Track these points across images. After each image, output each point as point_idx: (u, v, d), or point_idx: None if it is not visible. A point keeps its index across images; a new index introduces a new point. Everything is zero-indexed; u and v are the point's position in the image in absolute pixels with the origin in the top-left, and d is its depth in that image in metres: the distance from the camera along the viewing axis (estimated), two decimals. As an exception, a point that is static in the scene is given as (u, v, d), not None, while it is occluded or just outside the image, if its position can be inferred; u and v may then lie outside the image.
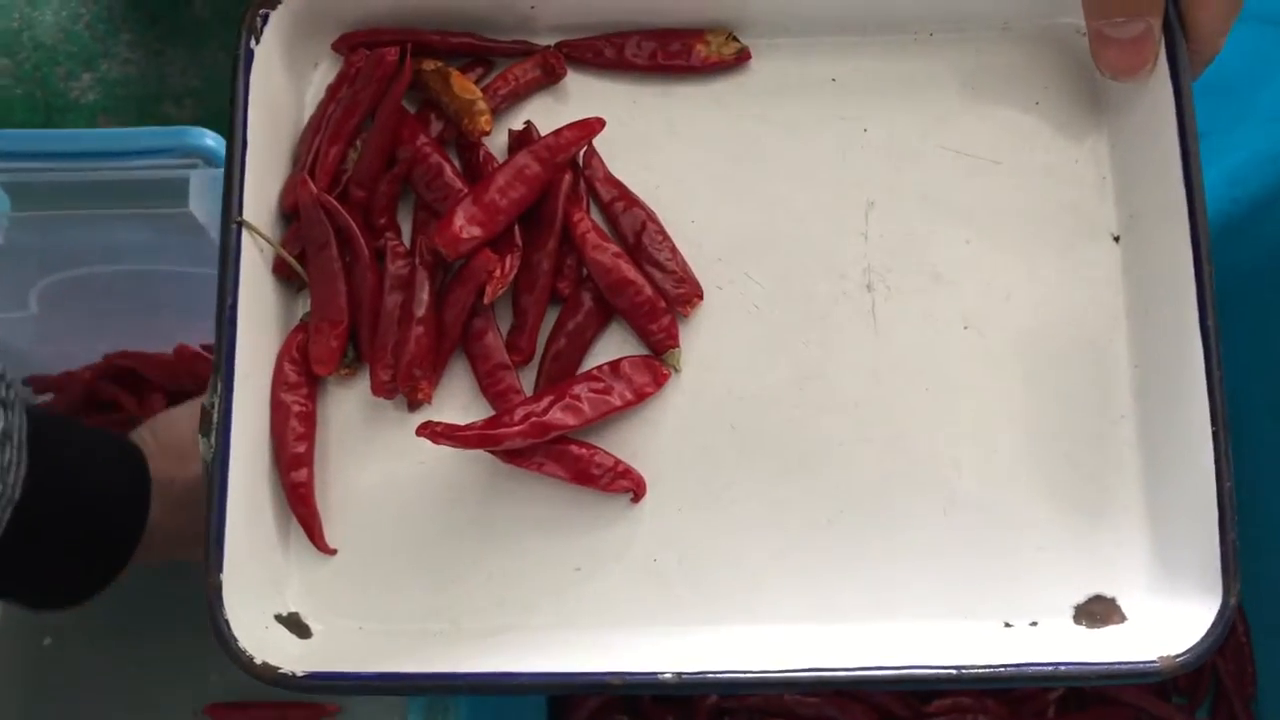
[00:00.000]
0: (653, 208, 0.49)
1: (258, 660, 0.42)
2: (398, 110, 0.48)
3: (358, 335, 0.48)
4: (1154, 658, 0.42)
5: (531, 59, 0.50)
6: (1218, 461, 0.43)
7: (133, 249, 0.69)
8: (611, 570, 0.46)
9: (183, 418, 0.66)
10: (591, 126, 0.48)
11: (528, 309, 0.48)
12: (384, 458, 0.47)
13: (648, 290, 0.47)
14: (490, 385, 0.47)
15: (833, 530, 0.46)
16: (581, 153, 0.49)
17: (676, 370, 0.48)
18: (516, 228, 0.48)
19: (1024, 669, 0.42)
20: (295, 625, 0.45)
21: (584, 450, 0.46)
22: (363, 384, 0.48)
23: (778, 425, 0.47)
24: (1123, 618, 0.45)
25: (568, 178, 0.48)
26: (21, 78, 0.87)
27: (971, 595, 0.45)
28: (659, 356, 0.48)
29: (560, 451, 0.46)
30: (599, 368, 0.47)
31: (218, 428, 0.43)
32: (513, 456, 0.45)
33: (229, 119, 0.46)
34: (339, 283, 0.47)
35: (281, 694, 0.43)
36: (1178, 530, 0.45)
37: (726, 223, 0.49)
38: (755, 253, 0.49)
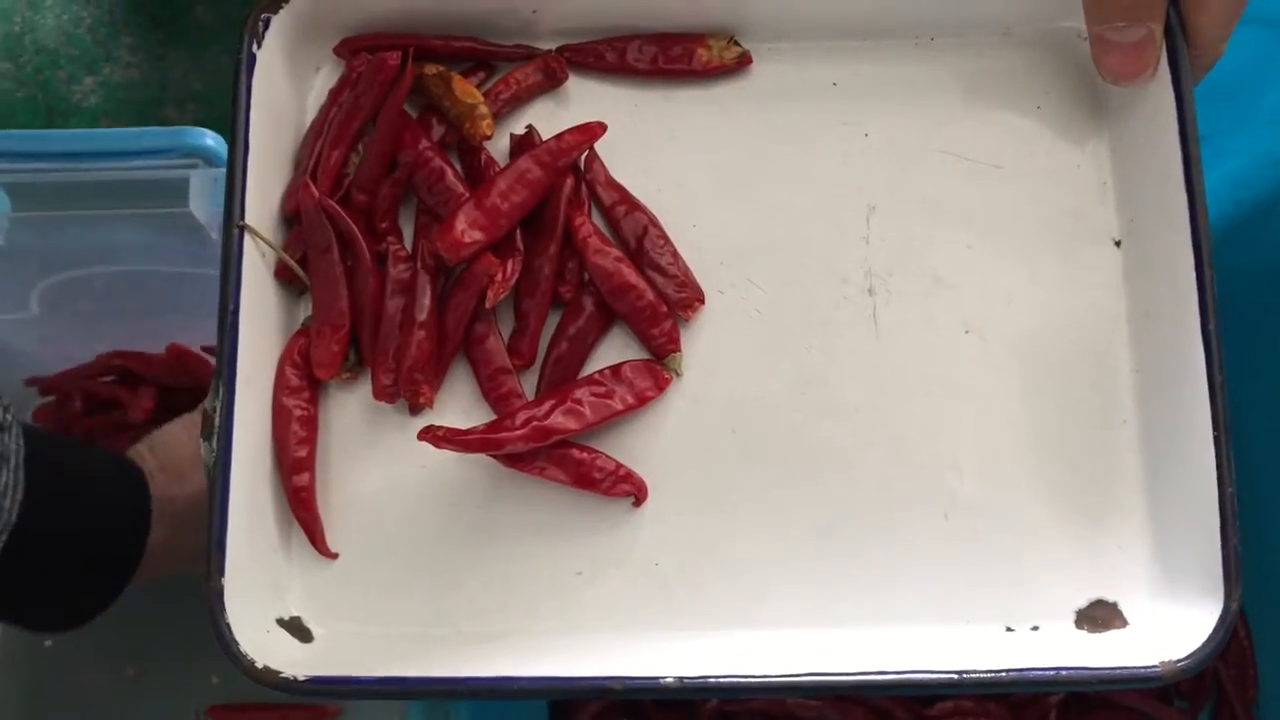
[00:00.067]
0: (654, 212, 0.49)
1: (259, 664, 0.42)
2: (399, 114, 0.48)
3: (359, 339, 0.48)
4: (1155, 662, 0.42)
5: (533, 63, 0.50)
6: (1219, 466, 0.43)
7: (133, 250, 0.69)
8: (613, 575, 0.46)
9: (181, 435, 0.65)
10: (593, 131, 0.48)
11: (529, 313, 0.48)
12: (385, 462, 0.47)
13: (649, 294, 0.47)
14: (492, 389, 0.47)
15: (834, 534, 0.46)
16: (583, 157, 0.49)
17: (678, 374, 0.48)
18: (518, 232, 0.48)
19: (1025, 674, 0.42)
20: (297, 629, 0.45)
21: (585, 454, 0.46)
22: (364, 388, 0.48)
23: (779, 429, 0.47)
24: (1124, 622, 0.45)
25: (569, 182, 0.48)
26: (23, 81, 0.87)
27: (973, 599, 0.45)
28: (660, 361, 0.48)
29: (561, 456, 0.46)
30: (600, 372, 0.47)
31: (219, 432, 0.43)
32: (514, 461, 0.46)
33: (231, 123, 0.46)
34: (341, 287, 0.47)
35: (283, 697, 0.43)
36: (1179, 534, 0.45)
37: (728, 227, 0.49)
38: (757, 257, 0.49)
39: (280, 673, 0.42)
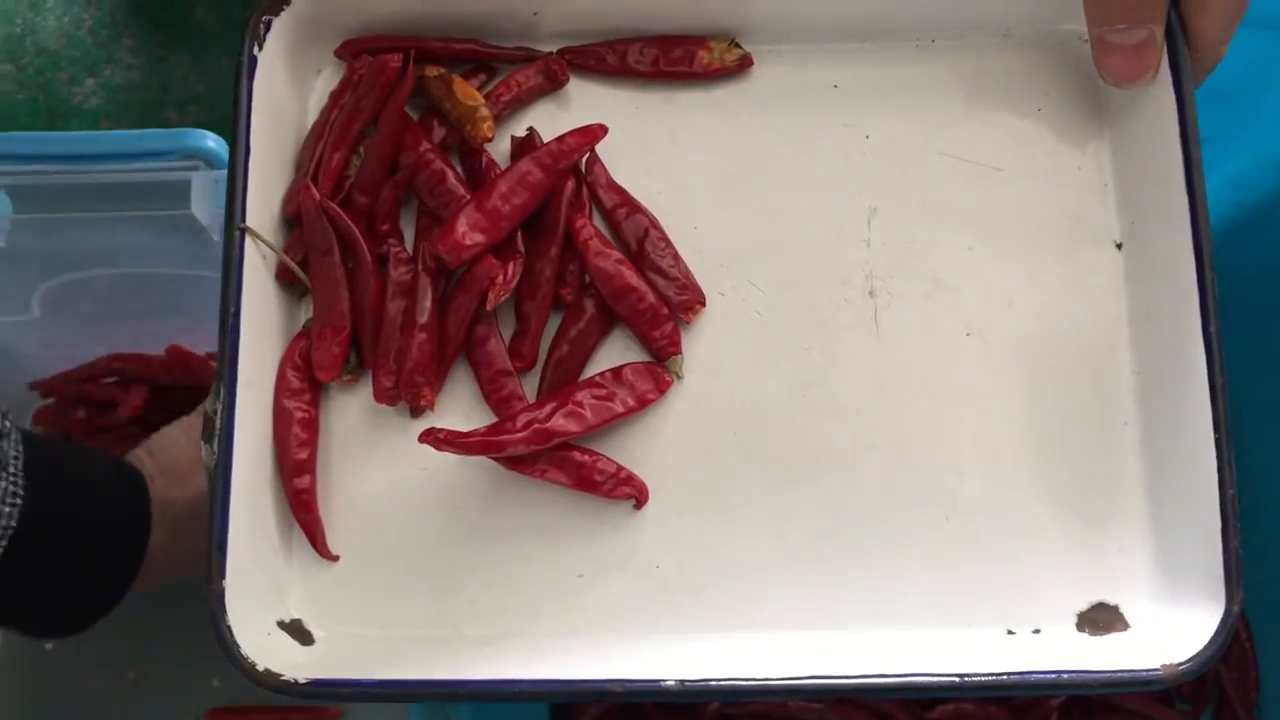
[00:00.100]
0: (655, 214, 0.49)
1: (260, 667, 0.42)
2: (400, 116, 0.48)
3: (360, 341, 0.48)
4: (1157, 665, 0.42)
5: (534, 65, 0.50)
6: (1220, 468, 0.43)
7: (135, 252, 0.69)
8: (614, 577, 0.46)
9: (180, 438, 0.65)
10: (594, 133, 0.48)
11: (530, 315, 0.48)
12: (386, 464, 0.47)
13: (650, 297, 0.47)
14: (493, 392, 0.47)
15: (835, 536, 0.46)
16: (584, 159, 0.49)
17: (679, 377, 0.48)
18: (519, 234, 0.48)
19: (1026, 677, 0.42)
20: (298, 632, 0.45)
21: (586, 457, 0.46)
22: (365, 390, 0.48)
23: (780, 432, 0.47)
24: (1126, 625, 0.45)
25: (570, 184, 0.48)
26: (24, 83, 0.87)
27: (974, 602, 0.45)
28: (661, 363, 0.48)
29: (563, 458, 0.46)
30: (601, 374, 0.47)
31: (220, 434, 0.43)
32: (515, 463, 0.45)
33: (232, 125, 0.46)
34: (342, 289, 0.47)
35: (283, 699, 0.43)
36: (1181, 537, 0.45)
37: (729, 229, 0.49)
38: (757, 259, 0.49)
39: (281, 675, 0.42)
